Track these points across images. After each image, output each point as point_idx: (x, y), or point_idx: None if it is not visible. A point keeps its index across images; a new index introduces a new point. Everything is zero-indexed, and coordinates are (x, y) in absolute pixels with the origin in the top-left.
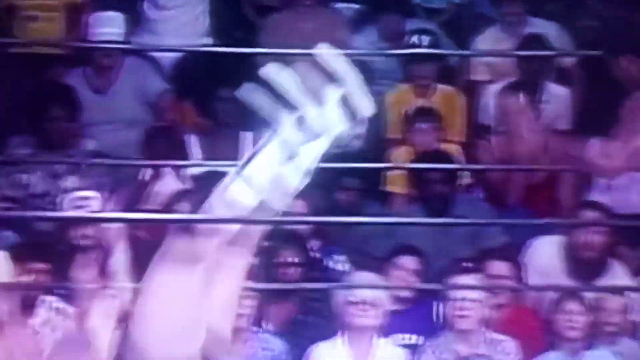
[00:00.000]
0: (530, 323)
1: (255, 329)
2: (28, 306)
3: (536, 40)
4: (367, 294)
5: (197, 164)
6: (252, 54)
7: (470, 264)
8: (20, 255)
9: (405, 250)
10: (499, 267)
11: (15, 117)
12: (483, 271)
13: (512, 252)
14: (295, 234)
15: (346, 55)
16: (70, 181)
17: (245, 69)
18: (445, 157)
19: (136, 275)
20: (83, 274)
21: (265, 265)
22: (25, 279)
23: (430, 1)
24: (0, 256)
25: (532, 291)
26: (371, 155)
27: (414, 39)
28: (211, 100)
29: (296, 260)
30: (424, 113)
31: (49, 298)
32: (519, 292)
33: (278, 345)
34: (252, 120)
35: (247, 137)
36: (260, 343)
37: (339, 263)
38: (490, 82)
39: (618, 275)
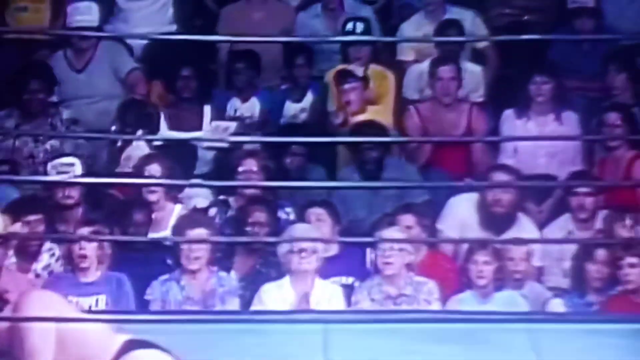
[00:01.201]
0: (447, 267)
1: (213, 268)
2: (31, 253)
3: (451, 25)
4: (305, 243)
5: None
6: (210, 41)
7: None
8: (16, 209)
9: (317, 204)
10: (412, 220)
11: (2, 93)
12: (402, 224)
13: (430, 208)
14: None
15: (291, 42)
16: (50, 145)
17: (204, 52)
18: (377, 127)
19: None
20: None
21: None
22: (23, 229)
23: None
24: None
25: (447, 243)
26: (317, 124)
27: (350, 25)
28: (175, 78)
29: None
30: (347, 75)
31: (50, 245)
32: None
33: (232, 281)
34: (208, 96)
35: (205, 109)
36: (216, 280)
37: (287, 214)
38: (415, 62)
39: (525, 227)
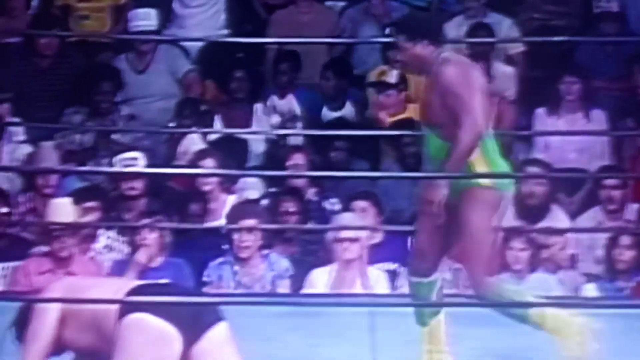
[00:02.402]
0: None
1: (264, 253)
2: (90, 236)
3: (482, 28)
4: (349, 232)
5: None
6: (259, 43)
7: None
8: (79, 198)
9: (361, 196)
10: None
11: (70, 91)
12: None
13: None
14: (294, 187)
15: (335, 43)
16: (114, 140)
17: (254, 54)
18: (415, 124)
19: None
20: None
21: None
22: (85, 216)
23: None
24: (65, 202)
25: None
26: (361, 120)
27: (389, 30)
28: (227, 79)
29: (294, 209)
30: (383, 83)
31: (107, 231)
32: None
33: (283, 266)
34: (258, 95)
35: (257, 108)
36: (268, 266)
37: (332, 204)
38: None
39: (557, 218)
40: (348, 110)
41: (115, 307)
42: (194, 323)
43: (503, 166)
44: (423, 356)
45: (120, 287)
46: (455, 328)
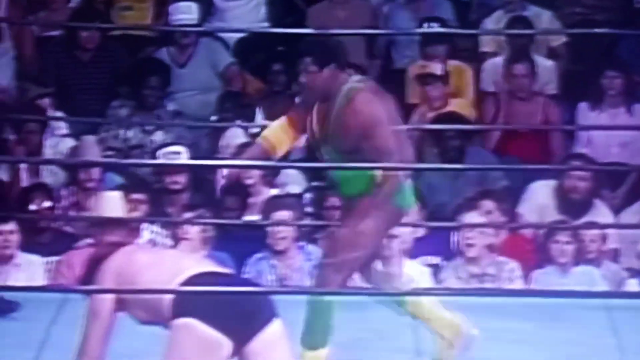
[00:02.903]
0: (527, 249)
1: (300, 244)
2: (135, 229)
3: (520, 21)
4: None
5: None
6: (298, 35)
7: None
8: (127, 190)
9: None
10: (492, 205)
11: (113, 85)
12: (482, 209)
13: (508, 193)
14: None
15: (372, 35)
16: (158, 135)
17: (293, 48)
18: (457, 118)
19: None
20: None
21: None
22: (133, 210)
23: None
24: (115, 195)
25: (526, 228)
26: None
27: (425, 25)
28: (267, 73)
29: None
30: (428, 77)
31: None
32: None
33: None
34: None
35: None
36: (305, 256)
37: None
38: (494, 54)
39: (600, 212)
40: None
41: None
42: (245, 324)
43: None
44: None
45: (177, 272)
46: None
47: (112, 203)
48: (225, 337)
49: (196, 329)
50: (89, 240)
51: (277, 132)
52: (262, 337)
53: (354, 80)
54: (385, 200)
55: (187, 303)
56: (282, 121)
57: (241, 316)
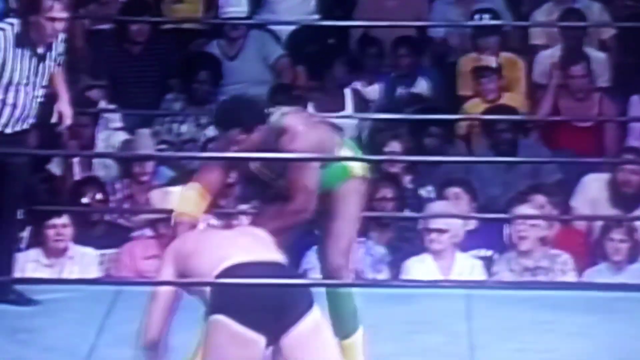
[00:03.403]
0: (580, 242)
1: (361, 239)
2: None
3: (573, 13)
4: (442, 221)
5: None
6: (348, 27)
7: (526, 196)
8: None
9: (455, 182)
10: (544, 199)
11: (167, 78)
12: (535, 202)
13: (561, 186)
14: (390, 173)
15: (423, 27)
16: (210, 130)
17: (343, 40)
18: (509, 110)
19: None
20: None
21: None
22: None
23: None
24: (178, 190)
25: (578, 220)
26: (450, 107)
27: (477, 17)
28: (318, 65)
29: (391, 195)
30: (484, 69)
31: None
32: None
33: (380, 251)
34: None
35: (347, 93)
36: (365, 250)
37: (428, 192)
38: (545, 47)
39: None
40: (421, 86)
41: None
42: (279, 319)
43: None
44: None
45: (218, 261)
46: None
47: (174, 197)
48: (258, 334)
49: (228, 327)
50: (148, 232)
51: (196, 204)
52: (298, 330)
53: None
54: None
55: (220, 298)
56: (194, 189)
57: (275, 311)
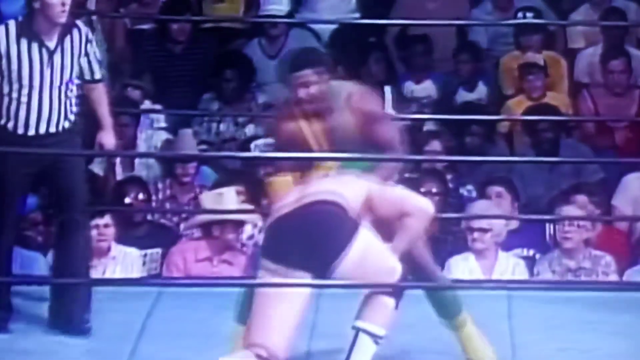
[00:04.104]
0: (622, 242)
1: None
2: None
3: (614, 12)
4: (484, 220)
5: None
6: (389, 25)
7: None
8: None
9: (497, 181)
10: (586, 199)
11: (206, 78)
12: (578, 202)
13: (604, 186)
14: (435, 169)
15: (465, 26)
16: (249, 129)
17: (383, 39)
18: (551, 109)
19: None
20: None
21: None
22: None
23: None
24: (232, 192)
25: (621, 221)
26: (492, 107)
27: (520, 14)
28: (359, 63)
29: (436, 190)
30: (531, 66)
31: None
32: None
33: None
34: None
35: (388, 91)
36: None
37: (469, 191)
38: (585, 48)
39: None
40: (482, 91)
41: None
42: (319, 257)
43: None
44: None
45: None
46: None
47: (227, 199)
48: (302, 272)
49: (272, 270)
50: (197, 233)
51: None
52: (346, 260)
53: (335, 81)
54: None
55: (266, 242)
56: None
57: (313, 250)
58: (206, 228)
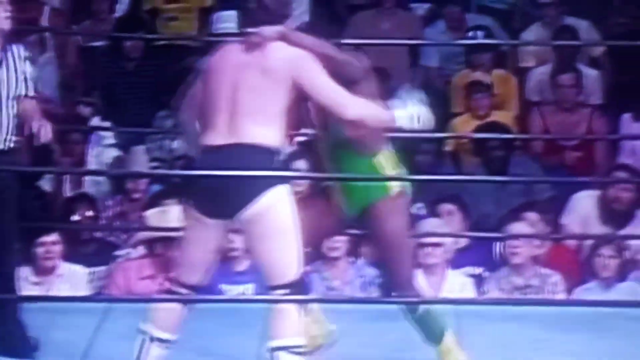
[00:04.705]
0: (570, 260)
1: (351, 259)
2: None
3: (566, 31)
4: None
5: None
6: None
7: (519, 214)
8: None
9: (448, 199)
10: (537, 216)
11: (159, 95)
12: (528, 220)
13: (553, 204)
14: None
15: (418, 45)
16: None
17: None
18: (501, 127)
19: None
20: None
21: None
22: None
23: (490, 1)
24: (176, 209)
25: (570, 239)
26: (443, 125)
27: (471, 33)
28: None
29: None
30: (477, 85)
31: None
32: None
33: (371, 272)
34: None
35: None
36: (355, 271)
37: (418, 209)
38: (536, 67)
39: None
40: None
41: None
42: (225, 205)
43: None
44: None
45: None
46: None
47: (173, 215)
48: (205, 217)
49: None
50: (140, 251)
51: None
52: (251, 211)
53: None
54: (401, 198)
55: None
56: None
57: (223, 196)
58: (150, 245)
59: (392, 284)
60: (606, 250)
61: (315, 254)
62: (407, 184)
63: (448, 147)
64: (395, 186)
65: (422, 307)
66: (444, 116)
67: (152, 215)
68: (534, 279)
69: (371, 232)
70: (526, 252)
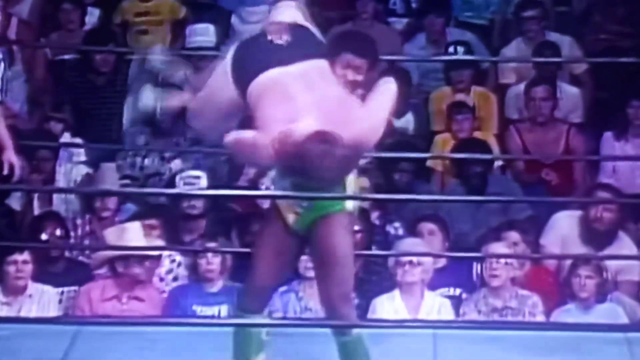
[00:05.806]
0: (550, 281)
1: None
2: (156, 259)
3: (548, 47)
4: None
5: None
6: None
7: (498, 233)
8: (141, 217)
9: (429, 218)
10: (517, 236)
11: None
12: (507, 240)
13: (533, 224)
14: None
15: (395, 61)
16: (175, 163)
17: None
18: (480, 145)
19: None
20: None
21: None
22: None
23: (470, 17)
24: (136, 226)
25: (550, 259)
26: (421, 143)
27: (451, 49)
28: None
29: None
30: (460, 106)
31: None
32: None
33: None
34: None
35: None
36: None
37: (396, 229)
38: (516, 84)
39: (625, 244)
40: (409, 120)
41: None
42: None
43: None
44: None
45: None
46: None
47: (132, 234)
48: None
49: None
50: (105, 271)
51: None
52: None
53: None
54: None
55: None
56: None
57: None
58: (111, 264)
59: (328, 299)
60: (584, 271)
61: (291, 273)
62: (357, 205)
63: (429, 164)
64: (349, 204)
65: (354, 332)
66: (423, 133)
67: (111, 234)
68: (513, 301)
69: (317, 246)
70: (505, 272)
